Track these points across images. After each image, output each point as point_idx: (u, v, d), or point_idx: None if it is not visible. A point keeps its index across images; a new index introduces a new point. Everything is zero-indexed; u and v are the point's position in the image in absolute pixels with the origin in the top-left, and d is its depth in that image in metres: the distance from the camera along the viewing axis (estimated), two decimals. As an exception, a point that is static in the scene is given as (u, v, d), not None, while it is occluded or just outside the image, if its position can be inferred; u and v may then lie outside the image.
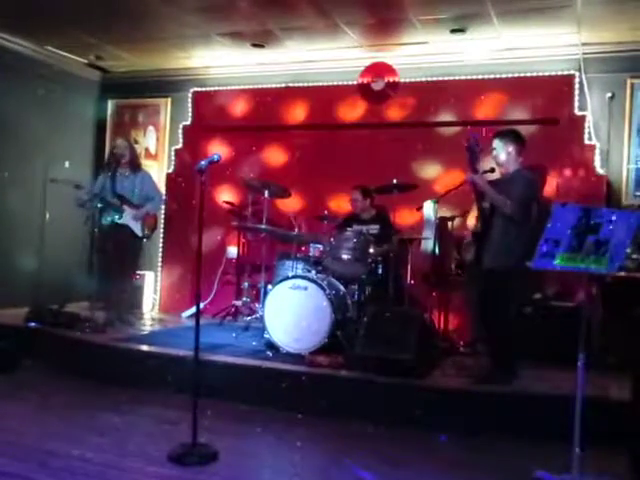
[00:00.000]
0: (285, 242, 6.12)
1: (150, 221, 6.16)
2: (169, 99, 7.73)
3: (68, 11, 5.93)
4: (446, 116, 6.44)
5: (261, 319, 5.38)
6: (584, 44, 5.86)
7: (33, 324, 5.76)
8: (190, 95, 7.49)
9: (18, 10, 6.01)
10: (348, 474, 3.36)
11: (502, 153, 4.45)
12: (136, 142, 7.68)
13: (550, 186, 5.91)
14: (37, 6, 5.84)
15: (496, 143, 4.49)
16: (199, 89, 7.49)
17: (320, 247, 5.70)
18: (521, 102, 6.14)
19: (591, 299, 4.71)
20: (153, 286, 7.52)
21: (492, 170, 4.53)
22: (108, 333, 5.58)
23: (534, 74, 6.14)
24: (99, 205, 5.75)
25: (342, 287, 5.41)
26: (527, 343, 4.71)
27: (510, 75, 6.22)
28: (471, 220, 4.53)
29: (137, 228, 5.99)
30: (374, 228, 5.79)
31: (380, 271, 5.53)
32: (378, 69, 6.53)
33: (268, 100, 7.12)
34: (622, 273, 4.28)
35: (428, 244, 5.62)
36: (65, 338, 5.47)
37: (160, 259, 7.54)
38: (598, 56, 5.95)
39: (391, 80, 6.49)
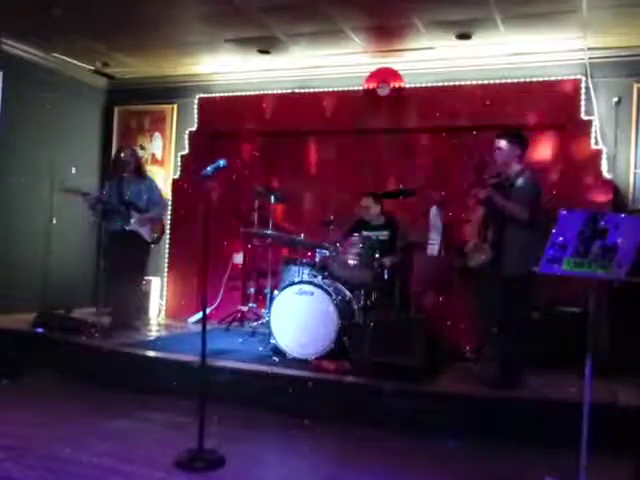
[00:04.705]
0: (291, 247, 6.13)
1: (157, 227, 6.19)
2: (175, 105, 7.77)
3: (75, 18, 5.97)
4: (452, 121, 6.41)
5: (267, 324, 5.38)
6: (590, 49, 5.86)
7: (40, 329, 5.78)
8: (196, 101, 7.52)
9: (25, 17, 6.05)
10: (355, 480, 3.36)
11: (508, 153, 4.44)
12: (142, 148, 7.73)
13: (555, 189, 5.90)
14: (44, 13, 5.86)
15: (503, 143, 4.47)
16: (205, 95, 7.52)
17: (326, 252, 5.70)
18: (527, 107, 6.10)
19: (598, 304, 4.69)
20: (159, 292, 7.54)
21: (498, 175, 4.52)
22: (115, 338, 5.58)
23: (540, 79, 6.12)
24: (107, 210, 5.81)
25: (348, 292, 5.41)
26: (534, 348, 4.68)
27: (516, 80, 6.20)
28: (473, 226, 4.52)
29: (144, 234, 6.02)
30: (384, 234, 5.79)
31: (386, 276, 5.52)
32: (384, 75, 6.53)
33: (274, 106, 7.13)
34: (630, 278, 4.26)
35: (434, 249, 5.60)
36: (72, 343, 5.48)
37: (166, 265, 7.56)
38: (604, 61, 5.95)
39: (397, 86, 6.49)
